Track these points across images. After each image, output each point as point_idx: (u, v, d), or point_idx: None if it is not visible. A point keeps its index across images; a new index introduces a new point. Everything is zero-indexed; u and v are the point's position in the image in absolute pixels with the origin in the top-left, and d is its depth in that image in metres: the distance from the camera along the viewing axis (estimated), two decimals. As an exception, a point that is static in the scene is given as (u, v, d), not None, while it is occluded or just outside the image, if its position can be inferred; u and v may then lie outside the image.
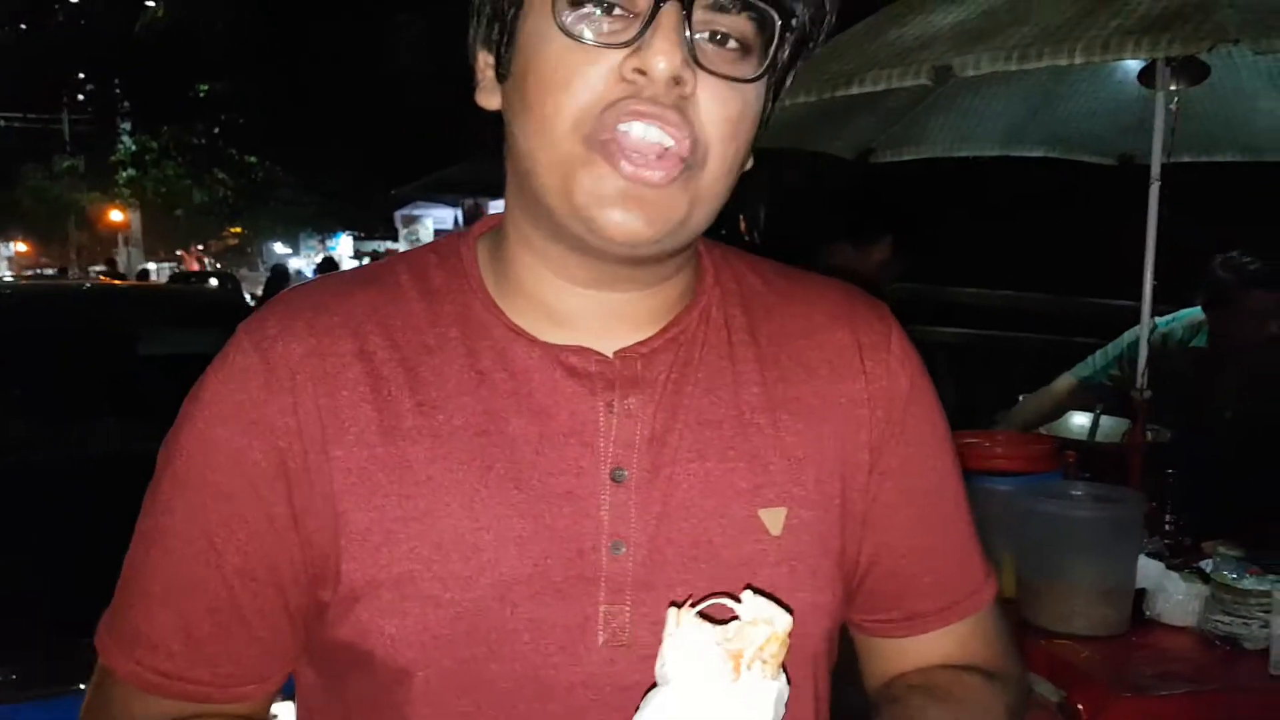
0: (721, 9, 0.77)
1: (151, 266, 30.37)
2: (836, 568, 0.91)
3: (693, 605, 0.69)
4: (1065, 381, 3.50)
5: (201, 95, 20.22)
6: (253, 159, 22.86)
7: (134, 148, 24.81)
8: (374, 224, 22.65)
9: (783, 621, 0.67)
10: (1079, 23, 2.40)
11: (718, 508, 0.86)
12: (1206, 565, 2.29)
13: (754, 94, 0.81)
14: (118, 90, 21.51)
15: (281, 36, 15.82)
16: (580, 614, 0.82)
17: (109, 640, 0.88)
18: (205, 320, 4.61)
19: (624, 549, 0.84)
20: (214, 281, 17.64)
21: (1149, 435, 2.99)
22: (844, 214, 3.33)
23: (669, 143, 0.76)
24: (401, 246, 16.69)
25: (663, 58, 0.74)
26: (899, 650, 0.98)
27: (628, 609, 0.83)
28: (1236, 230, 3.60)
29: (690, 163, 0.78)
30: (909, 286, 5.08)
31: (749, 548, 0.86)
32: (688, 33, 0.75)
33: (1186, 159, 3.87)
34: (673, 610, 0.69)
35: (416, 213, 16.11)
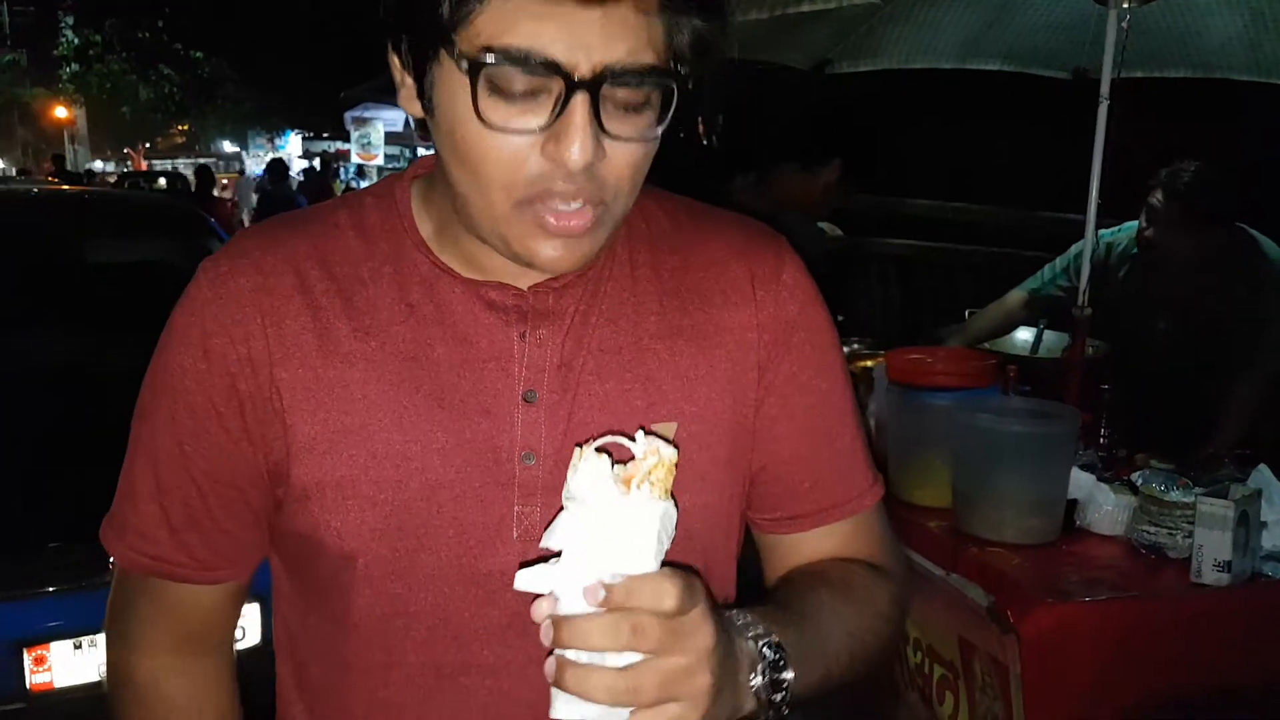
0: (624, 84, 0.83)
1: (98, 165, 29.59)
2: (725, 473, 1.03)
3: (594, 441, 0.80)
4: (1016, 296, 3.55)
5: (145, -13, 19.50)
6: (199, 54, 22.19)
7: (77, 42, 23.96)
8: (323, 124, 22.17)
9: (668, 452, 0.77)
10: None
11: (614, 423, 0.95)
12: (1137, 478, 2.37)
13: (655, 138, 0.89)
14: (59, -20, 20.70)
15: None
16: (496, 514, 0.95)
17: (109, 532, 1.04)
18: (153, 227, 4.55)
19: (534, 459, 0.96)
20: (163, 182, 17.28)
21: (1089, 350, 3.07)
22: (795, 131, 3.32)
23: (587, 207, 0.87)
24: (354, 148, 16.40)
25: (577, 148, 0.82)
26: (788, 546, 1.09)
27: (538, 510, 0.95)
28: (1191, 142, 3.63)
29: (602, 208, 0.88)
30: (863, 198, 5.10)
31: None
32: (596, 114, 0.82)
33: (1139, 74, 3.89)
34: (577, 447, 0.78)
35: (367, 115, 15.83)
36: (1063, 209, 4.66)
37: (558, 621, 0.75)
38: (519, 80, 0.81)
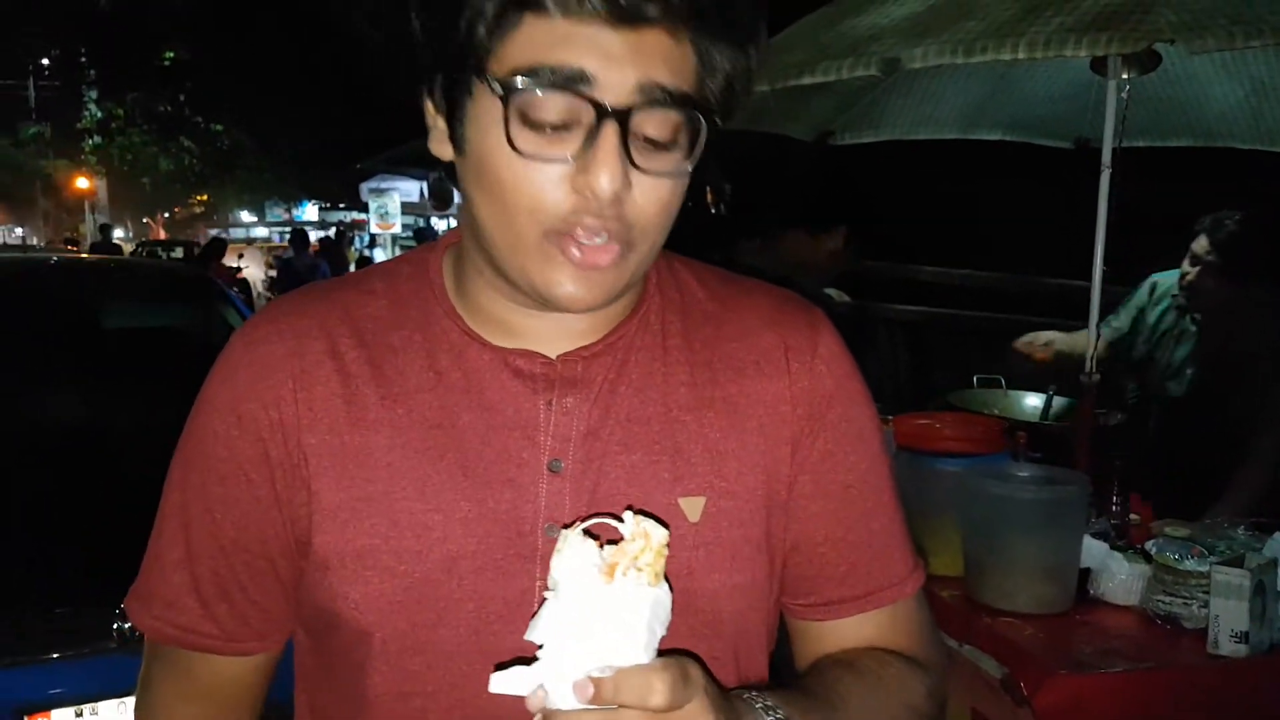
0: (654, 108, 0.84)
1: (118, 233, 30.02)
2: (759, 552, 0.98)
3: (579, 524, 0.77)
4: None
5: (167, 63, 19.93)
6: (218, 126, 22.60)
7: (100, 115, 24.45)
8: (339, 193, 22.50)
9: (658, 534, 0.74)
10: (1023, 19, 2.47)
11: (641, 495, 0.94)
12: (1151, 546, 2.34)
13: (683, 175, 0.89)
14: (83, 58, 21.16)
15: (244, 3, 15.62)
16: (518, 588, 0.92)
17: (135, 603, 1.02)
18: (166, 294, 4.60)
19: (557, 532, 0.91)
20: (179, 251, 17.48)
21: (1100, 417, 3.05)
22: (803, 197, 3.35)
23: (613, 242, 0.86)
24: (372, 218, 16.63)
25: (606, 178, 0.83)
26: (822, 634, 1.05)
27: None
28: (1196, 206, 3.65)
29: (628, 245, 0.88)
30: (871, 264, 5.12)
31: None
32: (625, 146, 0.83)
33: (1141, 144, 3.92)
34: (563, 530, 0.76)
35: (384, 185, 16.11)
36: (1070, 275, 4.67)
37: (549, 717, 0.73)
38: (550, 108, 0.82)
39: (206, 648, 0.99)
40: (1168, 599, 2.18)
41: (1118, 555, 2.32)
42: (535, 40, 0.81)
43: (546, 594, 0.75)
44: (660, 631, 0.74)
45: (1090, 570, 2.32)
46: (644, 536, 0.74)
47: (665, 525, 0.75)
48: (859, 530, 1.03)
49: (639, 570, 0.73)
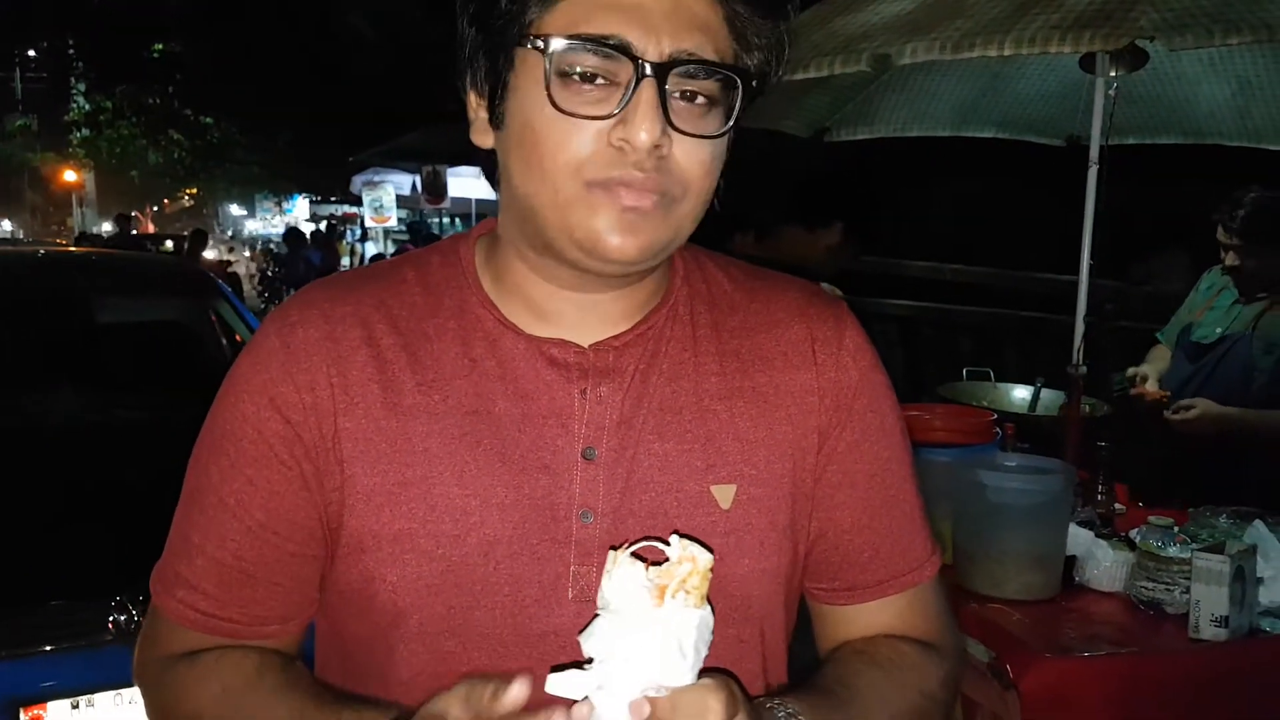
0: (691, 75, 0.88)
1: (107, 227, 29.88)
2: (785, 539, 1.01)
3: (628, 547, 0.78)
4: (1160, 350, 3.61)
5: (156, 55, 19.81)
6: (208, 120, 22.48)
7: (88, 108, 24.31)
8: (330, 187, 22.40)
9: (704, 558, 0.76)
10: (1010, 17, 2.52)
11: (674, 483, 0.97)
12: (1135, 534, 2.39)
13: (723, 139, 0.92)
14: (71, 50, 21.01)
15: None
16: (553, 572, 0.95)
17: (158, 583, 1.02)
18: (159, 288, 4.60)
19: (592, 518, 0.95)
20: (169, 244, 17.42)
21: (1086, 408, 3.10)
22: (799, 194, 3.38)
23: (653, 192, 0.89)
24: (366, 212, 16.54)
25: (644, 131, 0.85)
26: (843, 618, 1.08)
27: (595, 569, 0.94)
28: (1185, 204, 3.70)
29: (670, 197, 0.90)
30: (865, 260, 5.15)
31: (700, 519, 0.97)
32: (664, 104, 0.86)
33: (1131, 141, 3.97)
34: (611, 552, 0.77)
35: (377, 179, 16.01)
36: (1059, 270, 4.72)
37: None
38: (590, 66, 0.86)
39: (229, 632, 0.99)
40: (1150, 585, 2.23)
41: (1103, 543, 2.37)
42: (576, 9, 0.86)
43: (598, 613, 0.77)
44: (704, 652, 0.76)
45: (1076, 558, 2.37)
46: (691, 560, 0.75)
47: (709, 550, 0.77)
48: (882, 518, 1.05)
49: (687, 593, 0.75)
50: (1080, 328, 3.05)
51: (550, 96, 0.86)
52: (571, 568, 0.94)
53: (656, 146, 0.87)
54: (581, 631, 0.77)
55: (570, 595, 0.94)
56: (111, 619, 2.47)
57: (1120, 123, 2.94)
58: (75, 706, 2.52)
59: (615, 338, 0.98)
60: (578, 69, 0.86)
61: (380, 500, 0.94)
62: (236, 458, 0.97)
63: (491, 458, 0.95)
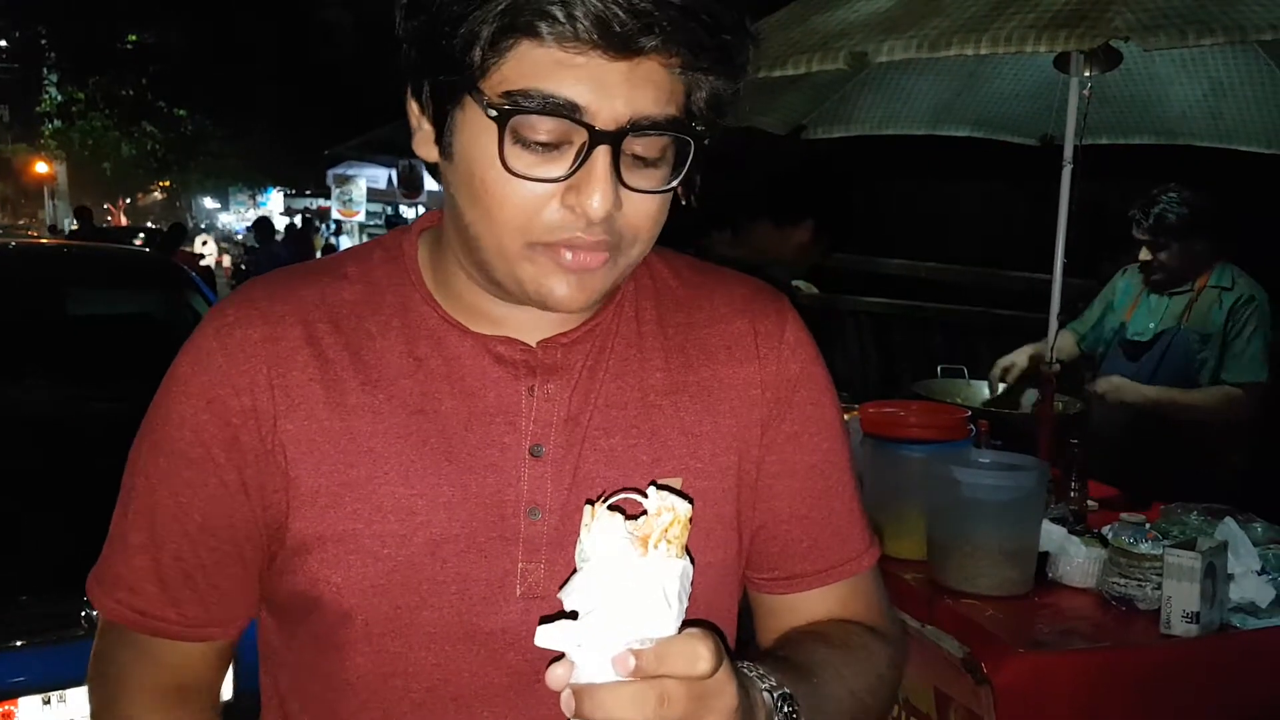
0: (645, 135, 0.85)
1: (69, 223, 29.56)
2: (731, 531, 1.02)
3: (606, 499, 0.77)
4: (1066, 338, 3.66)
5: (129, 46, 19.61)
6: (181, 111, 22.29)
7: (60, 99, 24.04)
8: (304, 180, 22.24)
9: (683, 508, 0.75)
10: (987, 16, 2.54)
11: (621, 478, 0.96)
12: (1107, 530, 2.41)
13: (670, 190, 0.91)
14: (43, 40, 20.75)
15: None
16: (501, 570, 0.94)
17: (96, 586, 1.00)
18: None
19: (539, 515, 0.95)
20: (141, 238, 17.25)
21: (1059, 405, 3.13)
22: (772, 190, 3.40)
23: (603, 250, 0.88)
24: (334, 205, 16.40)
25: (598, 200, 0.84)
26: (785, 606, 1.08)
27: (542, 566, 0.94)
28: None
29: (619, 249, 0.89)
30: (840, 257, 5.18)
31: None
32: (617, 169, 0.84)
33: (1104, 141, 4.01)
34: (588, 506, 0.76)
35: (350, 172, 15.86)
36: (1033, 269, 4.75)
37: (579, 691, 0.72)
38: (544, 130, 0.82)
39: (167, 633, 0.98)
40: (1123, 581, 2.25)
41: (1075, 539, 2.39)
42: (530, 65, 0.81)
43: (577, 568, 0.75)
44: (686, 602, 0.75)
45: (1049, 554, 2.39)
46: (671, 510, 0.75)
47: (688, 499, 0.76)
48: (821, 508, 1.07)
49: (669, 543, 0.74)
50: (1054, 326, 3.07)
51: (503, 160, 0.83)
52: (519, 565, 0.94)
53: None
54: (561, 588, 0.76)
55: (518, 592, 0.94)
56: (83, 613, 2.46)
57: (1094, 123, 2.96)
58: (47, 702, 2.50)
59: (563, 335, 0.98)
60: (531, 137, 0.83)
61: (325, 501, 0.93)
62: (175, 460, 0.95)
63: (438, 456, 0.94)
